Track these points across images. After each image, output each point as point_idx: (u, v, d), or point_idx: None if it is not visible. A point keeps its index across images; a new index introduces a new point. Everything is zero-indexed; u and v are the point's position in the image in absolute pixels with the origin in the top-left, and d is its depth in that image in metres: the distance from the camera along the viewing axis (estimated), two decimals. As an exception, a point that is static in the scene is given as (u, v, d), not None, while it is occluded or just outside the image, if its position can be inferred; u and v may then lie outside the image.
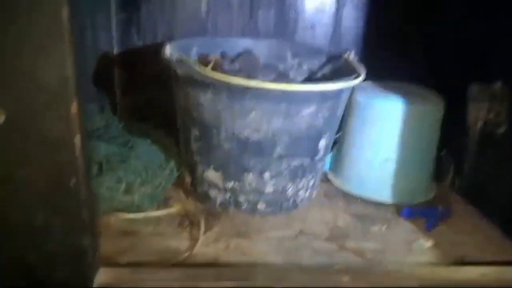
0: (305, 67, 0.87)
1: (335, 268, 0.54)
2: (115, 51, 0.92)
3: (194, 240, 0.67)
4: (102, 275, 0.46)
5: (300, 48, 0.88)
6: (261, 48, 0.87)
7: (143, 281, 0.47)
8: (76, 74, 0.37)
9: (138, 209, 0.71)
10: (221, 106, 0.67)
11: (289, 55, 0.88)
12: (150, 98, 0.94)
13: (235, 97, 0.65)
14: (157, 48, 0.72)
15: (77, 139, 0.39)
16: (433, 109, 0.81)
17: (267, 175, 0.72)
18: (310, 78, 0.84)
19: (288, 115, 0.66)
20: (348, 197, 0.83)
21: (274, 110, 0.65)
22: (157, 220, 0.72)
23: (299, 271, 0.54)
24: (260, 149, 0.69)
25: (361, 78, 0.70)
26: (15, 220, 0.41)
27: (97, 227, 0.43)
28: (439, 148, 0.85)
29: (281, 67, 0.86)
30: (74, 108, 0.38)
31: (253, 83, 0.61)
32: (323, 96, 0.67)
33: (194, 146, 0.74)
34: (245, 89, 0.63)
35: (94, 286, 0.45)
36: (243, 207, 0.75)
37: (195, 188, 0.78)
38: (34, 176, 0.40)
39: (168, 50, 0.68)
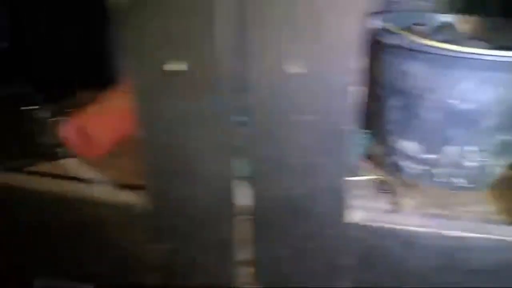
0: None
1: None
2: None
3: (394, 204, 0.70)
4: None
5: (496, 23, 0.84)
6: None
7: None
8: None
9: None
10: (429, 75, 0.67)
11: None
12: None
13: (445, 66, 0.66)
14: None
15: (355, 90, 0.44)
16: None
17: (470, 149, 0.70)
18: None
19: (504, 85, 0.64)
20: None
21: (489, 80, 0.64)
22: (353, 186, 0.76)
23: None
24: (467, 121, 0.68)
25: None
26: (293, 157, 0.49)
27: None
28: None
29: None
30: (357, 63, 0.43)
31: (479, 51, 0.60)
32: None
33: (390, 116, 0.76)
34: (457, 58, 0.64)
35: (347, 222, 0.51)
36: (438, 180, 0.75)
37: (386, 159, 0.80)
38: (314, 121, 0.46)
39: (378, 21, 0.71)
